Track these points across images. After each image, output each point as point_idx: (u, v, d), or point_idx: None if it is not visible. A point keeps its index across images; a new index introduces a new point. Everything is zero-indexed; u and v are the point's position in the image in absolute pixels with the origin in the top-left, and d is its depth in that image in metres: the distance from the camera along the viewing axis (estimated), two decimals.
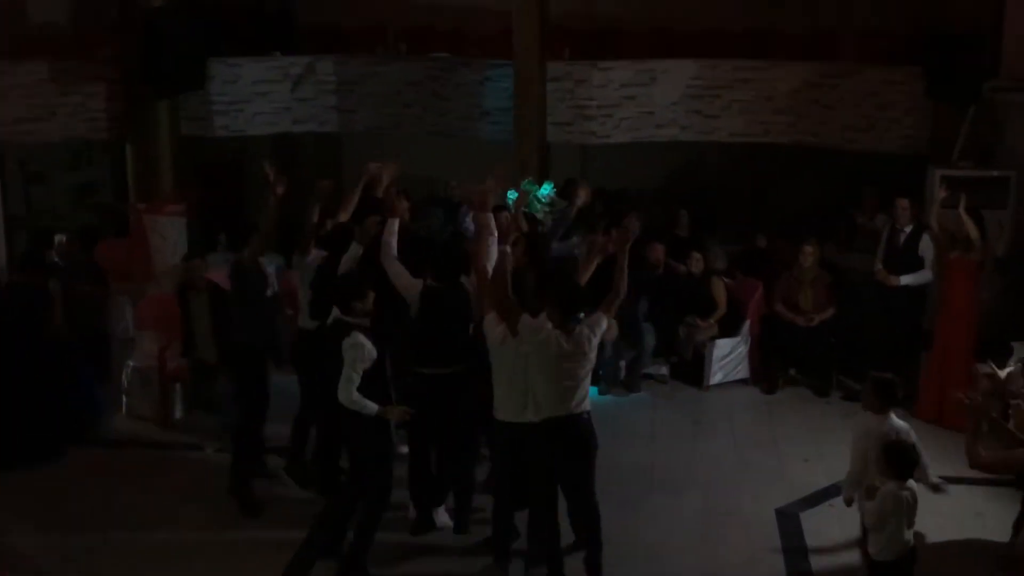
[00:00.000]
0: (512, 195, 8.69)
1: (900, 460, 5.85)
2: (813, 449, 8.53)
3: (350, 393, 6.44)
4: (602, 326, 6.44)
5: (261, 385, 7.80)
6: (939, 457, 7.85)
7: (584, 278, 6.69)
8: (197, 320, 8.62)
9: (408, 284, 7.12)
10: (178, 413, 9.17)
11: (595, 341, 6.41)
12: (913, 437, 6.45)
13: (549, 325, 6.38)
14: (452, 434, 7.20)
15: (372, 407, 6.46)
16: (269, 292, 8.40)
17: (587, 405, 6.46)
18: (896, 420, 6.51)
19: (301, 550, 7.05)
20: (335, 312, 6.71)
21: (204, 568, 6.96)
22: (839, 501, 7.05)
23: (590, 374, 6.48)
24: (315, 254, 7.59)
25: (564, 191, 10.17)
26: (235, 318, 7.72)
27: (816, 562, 7.03)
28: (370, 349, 6.48)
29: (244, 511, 7.50)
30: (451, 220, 9.97)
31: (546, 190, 9.88)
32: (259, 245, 7.57)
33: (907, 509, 5.84)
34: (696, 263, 10.19)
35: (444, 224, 9.87)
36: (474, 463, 7.43)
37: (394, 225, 7.27)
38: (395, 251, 7.23)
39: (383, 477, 6.72)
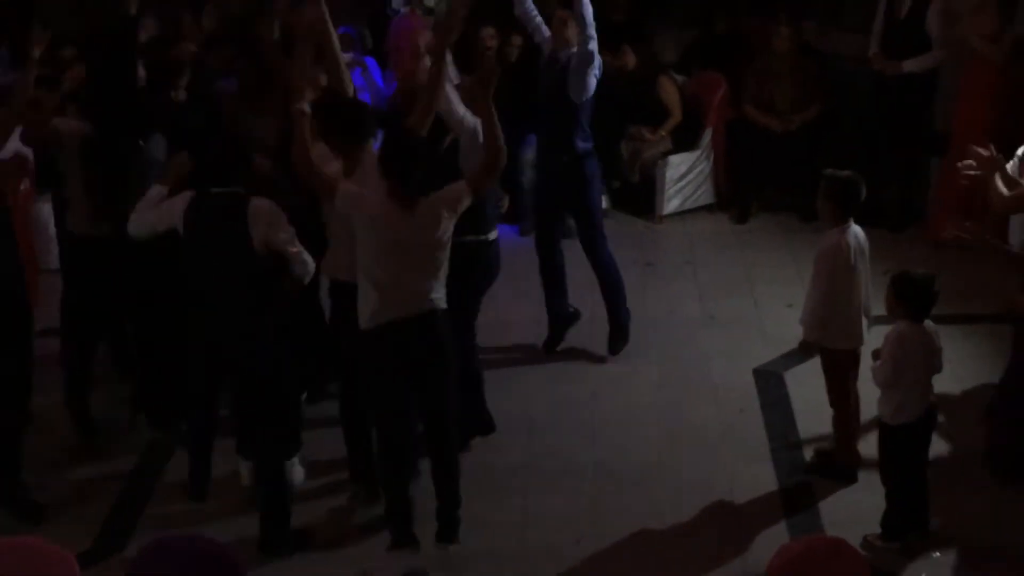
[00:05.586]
0: None
1: (913, 293, 5.92)
2: (799, 291, 8.51)
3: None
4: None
5: None
6: (958, 289, 8.09)
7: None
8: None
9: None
10: None
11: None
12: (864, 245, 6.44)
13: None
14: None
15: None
16: None
17: None
18: (856, 229, 6.46)
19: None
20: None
21: None
22: None
23: None
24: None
25: None
26: None
27: (806, 428, 7.17)
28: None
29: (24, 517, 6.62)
30: None
31: None
32: None
33: (927, 354, 5.95)
34: (627, 58, 10.06)
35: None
36: None
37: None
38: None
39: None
